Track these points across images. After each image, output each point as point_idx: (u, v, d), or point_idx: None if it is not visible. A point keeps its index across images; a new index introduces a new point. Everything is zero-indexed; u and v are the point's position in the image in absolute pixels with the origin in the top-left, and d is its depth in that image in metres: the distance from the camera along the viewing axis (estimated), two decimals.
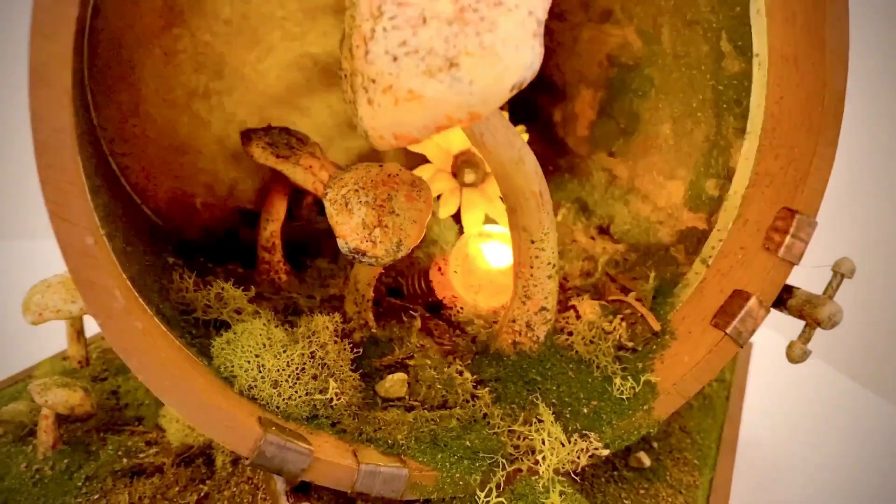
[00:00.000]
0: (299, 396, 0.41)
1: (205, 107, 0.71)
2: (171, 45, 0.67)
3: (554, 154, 0.73)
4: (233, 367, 0.40)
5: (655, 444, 0.59)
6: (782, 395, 0.90)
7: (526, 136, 0.65)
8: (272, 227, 0.58)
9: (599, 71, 0.66)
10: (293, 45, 0.73)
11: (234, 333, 0.42)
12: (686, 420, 0.63)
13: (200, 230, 0.72)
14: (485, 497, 0.43)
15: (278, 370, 0.41)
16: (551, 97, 0.72)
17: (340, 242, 0.43)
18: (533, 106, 0.75)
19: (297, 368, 0.42)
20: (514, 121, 0.72)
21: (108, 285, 0.34)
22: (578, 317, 0.53)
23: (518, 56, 0.31)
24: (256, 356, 0.41)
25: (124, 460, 0.52)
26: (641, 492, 0.54)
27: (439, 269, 0.59)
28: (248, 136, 0.56)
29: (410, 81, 0.30)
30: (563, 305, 0.57)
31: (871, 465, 0.78)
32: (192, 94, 0.70)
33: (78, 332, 0.60)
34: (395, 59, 0.31)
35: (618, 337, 0.52)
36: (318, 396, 0.42)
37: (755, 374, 0.88)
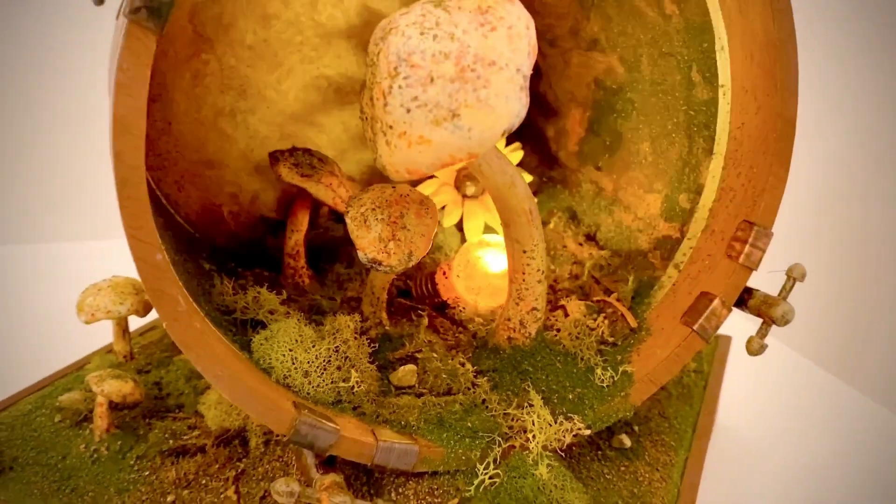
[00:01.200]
0: (326, 384, 0.49)
1: (230, 124, 0.77)
2: (200, 69, 0.74)
3: (547, 166, 0.79)
4: (270, 359, 0.48)
5: (636, 428, 0.65)
6: (758, 384, 0.95)
7: (521, 154, 0.72)
8: (296, 237, 0.65)
9: (587, 92, 0.72)
10: (310, 67, 0.79)
11: (271, 331, 0.49)
12: (665, 407, 0.68)
13: (228, 236, 0.79)
14: (483, 469, 0.50)
15: (308, 362, 0.48)
16: (545, 114, 0.79)
17: (360, 254, 0.50)
18: (529, 122, 0.82)
19: (324, 361, 0.49)
20: (511, 138, 0.79)
21: (173, 293, 0.41)
22: (566, 315, 0.60)
23: (508, 107, 0.38)
24: (290, 350, 0.48)
25: (170, 441, 0.59)
26: (622, 469, 0.60)
27: (444, 273, 0.66)
28: (275, 157, 0.64)
29: (421, 129, 0.37)
30: (553, 305, 0.64)
31: (837, 448, 0.83)
32: (219, 113, 0.77)
33: (123, 329, 0.67)
34: (408, 110, 0.38)
35: (600, 333, 0.59)
36: (341, 384, 0.49)
37: (734, 365, 0.93)
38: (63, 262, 1.21)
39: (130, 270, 0.95)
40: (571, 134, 0.75)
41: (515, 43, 0.39)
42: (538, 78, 0.78)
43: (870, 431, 0.87)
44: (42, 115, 1.30)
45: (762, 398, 0.93)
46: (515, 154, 0.69)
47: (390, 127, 0.38)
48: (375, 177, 0.85)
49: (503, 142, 0.72)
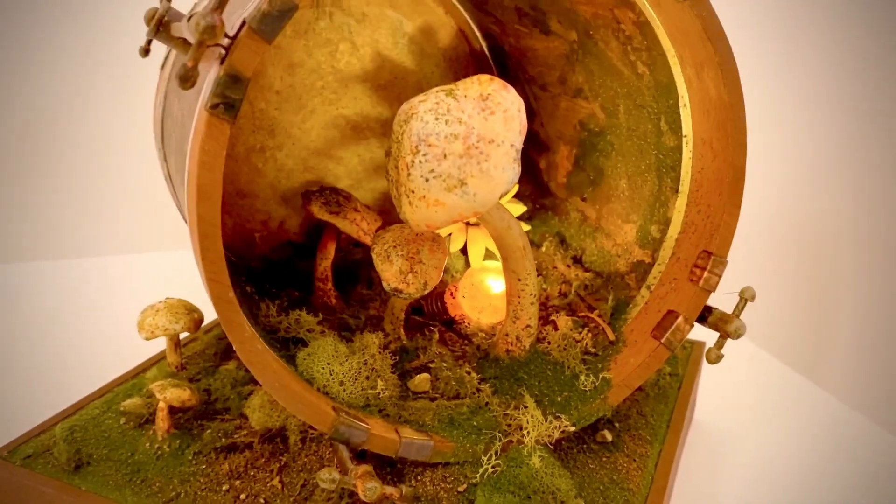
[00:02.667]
0: (357, 392, 0.59)
1: (260, 159, 0.86)
2: None
3: (540, 195, 0.89)
4: (312, 372, 0.58)
5: (617, 425, 0.73)
6: (732, 382, 1.02)
7: (516, 188, 0.82)
8: (325, 263, 0.75)
9: (574, 132, 0.83)
10: (330, 108, 0.87)
11: (312, 349, 0.59)
12: (643, 406, 0.76)
13: (261, 259, 0.87)
14: (486, 460, 0.60)
15: (343, 374, 0.58)
16: (538, 149, 0.89)
17: (384, 284, 0.60)
18: (525, 155, 0.92)
19: (355, 372, 0.59)
20: None
21: (241, 321, 0.51)
22: (556, 329, 0.71)
23: (504, 175, 0.49)
24: (328, 364, 0.58)
25: (222, 440, 0.66)
26: (604, 459, 0.68)
27: (451, 293, 0.76)
28: (307, 197, 0.74)
29: (437, 195, 0.48)
30: (545, 319, 0.74)
31: (801, 441, 0.90)
32: (251, 150, 0.86)
33: (175, 344, 0.77)
34: (427, 180, 0.48)
35: (584, 344, 0.69)
36: (370, 391, 0.59)
37: (711, 366, 1.02)
38: (108, 276, 1.29)
39: (173, 282, 1.08)
40: (560, 167, 0.86)
41: (510, 123, 0.49)
42: (532, 117, 0.89)
43: (831, 426, 0.94)
44: (101, 143, 1.38)
45: (735, 395, 1.00)
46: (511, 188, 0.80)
47: (412, 192, 0.49)
48: (388, 203, 0.94)
49: None
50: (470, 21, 0.90)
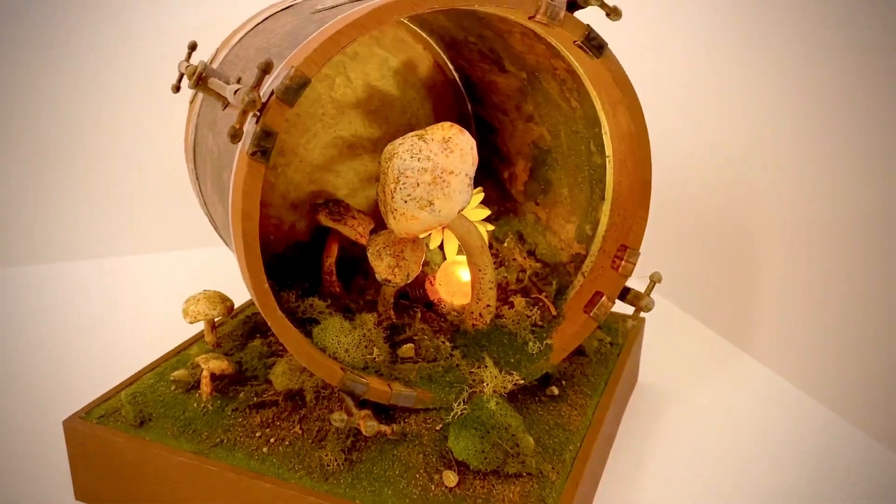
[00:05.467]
0: (358, 357, 0.76)
1: (273, 175, 1.00)
2: None
3: (504, 200, 1.06)
4: (325, 342, 0.75)
5: (564, 383, 0.85)
6: (672, 351, 1.14)
7: (482, 195, 1.00)
8: (330, 260, 0.93)
9: (528, 150, 1.01)
10: (329, 130, 1.00)
11: (323, 326, 0.78)
12: (586, 368, 0.89)
13: (275, 257, 1.03)
14: (456, 406, 0.73)
15: (347, 344, 0.76)
16: (501, 162, 1.07)
17: (377, 276, 0.79)
18: (491, 167, 1.07)
19: (356, 343, 0.77)
20: (478, 182, 1.07)
21: (274, 305, 0.69)
22: (511, 307, 0.90)
23: (461, 197, 0.68)
24: (336, 336, 0.76)
25: (254, 399, 0.77)
26: (551, 408, 0.80)
27: (430, 282, 0.95)
28: (315, 208, 0.92)
29: (413, 212, 0.67)
30: (504, 300, 0.92)
31: (731, 401, 1.00)
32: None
33: (212, 326, 0.95)
34: (405, 201, 0.67)
35: (534, 319, 0.85)
36: (368, 357, 0.77)
37: (655, 337, 1.13)
38: (149, 272, 1.48)
39: (198, 275, 1.29)
40: (519, 178, 1.04)
41: (465, 158, 0.68)
42: (497, 135, 1.07)
43: (755, 388, 1.04)
44: (133, 146, 1.53)
45: (674, 361, 1.11)
46: (479, 195, 0.98)
47: (395, 210, 0.68)
48: (379, 209, 1.12)
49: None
50: (444, 57, 1.08)
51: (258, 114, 0.63)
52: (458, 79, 1.09)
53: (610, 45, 0.74)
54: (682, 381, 1.06)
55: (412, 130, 0.92)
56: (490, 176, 1.06)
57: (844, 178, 0.94)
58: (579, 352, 0.91)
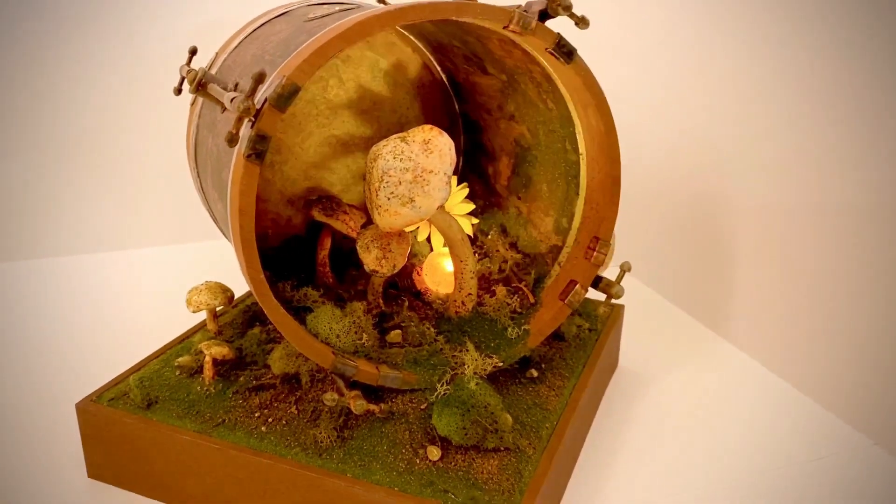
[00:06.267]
0: (349, 342, 0.83)
1: (270, 172, 1.05)
2: None
3: (488, 195, 1.12)
4: (317, 328, 0.81)
5: (543, 366, 0.88)
6: (652, 337, 1.17)
7: (466, 190, 1.06)
8: (323, 252, 1.00)
9: (511, 147, 1.06)
10: (323, 130, 1.04)
11: (317, 313, 0.84)
12: (565, 352, 0.92)
13: (272, 250, 1.08)
14: (440, 386, 0.77)
15: (339, 330, 0.83)
16: (486, 158, 1.13)
17: (365, 267, 0.85)
18: (477, 164, 1.13)
19: (347, 329, 0.83)
20: (462, 178, 1.13)
21: (269, 294, 0.76)
22: (493, 295, 0.96)
23: (440, 194, 0.73)
24: (328, 323, 0.82)
25: (253, 382, 0.81)
26: (530, 389, 0.84)
27: (417, 272, 1.01)
28: (309, 204, 0.98)
29: (396, 208, 0.73)
30: (487, 289, 0.98)
31: (706, 384, 1.03)
32: (263, 166, 1.09)
33: (213, 315, 1.01)
34: (388, 199, 0.73)
35: (514, 306, 0.94)
36: (357, 342, 0.83)
37: (636, 323, 1.17)
38: (152, 265, 1.54)
39: (198, 267, 1.36)
40: (502, 173, 1.10)
41: (444, 158, 0.74)
42: (482, 133, 1.13)
43: (731, 372, 1.07)
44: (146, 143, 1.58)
45: (653, 347, 1.14)
46: (463, 191, 1.04)
47: (380, 206, 0.74)
48: None
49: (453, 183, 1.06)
50: (432, 59, 1.14)
51: (253, 119, 0.69)
52: (445, 80, 1.14)
53: (580, 51, 0.79)
54: (662, 366, 1.09)
55: (403, 129, 0.98)
56: (476, 172, 1.12)
57: (816, 165, 0.96)
58: (558, 337, 0.95)
